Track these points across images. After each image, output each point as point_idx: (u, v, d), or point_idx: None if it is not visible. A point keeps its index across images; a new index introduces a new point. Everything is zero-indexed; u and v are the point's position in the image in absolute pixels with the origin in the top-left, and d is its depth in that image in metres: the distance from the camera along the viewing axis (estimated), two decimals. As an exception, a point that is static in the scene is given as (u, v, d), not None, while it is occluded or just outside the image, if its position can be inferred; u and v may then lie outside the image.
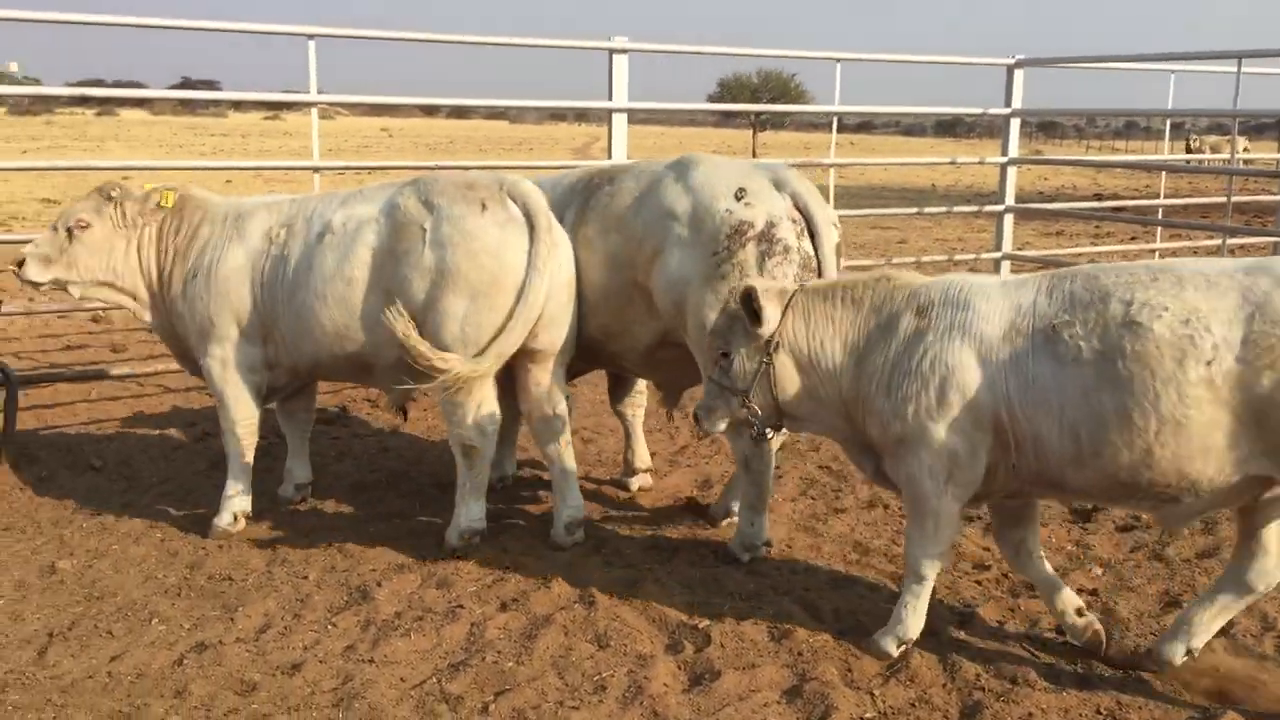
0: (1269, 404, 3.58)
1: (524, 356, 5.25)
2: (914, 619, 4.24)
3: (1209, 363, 3.60)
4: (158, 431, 7.30)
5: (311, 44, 7.44)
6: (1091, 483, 3.88)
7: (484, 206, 5.07)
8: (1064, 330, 3.80)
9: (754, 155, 42.48)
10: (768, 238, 4.99)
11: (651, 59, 9.06)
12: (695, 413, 4.46)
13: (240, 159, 38.87)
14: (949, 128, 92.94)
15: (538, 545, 5.41)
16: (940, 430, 3.94)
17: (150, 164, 8.97)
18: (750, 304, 4.16)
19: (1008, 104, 10.72)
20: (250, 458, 5.65)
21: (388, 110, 63.24)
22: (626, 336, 5.44)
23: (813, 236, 5.09)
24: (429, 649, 4.37)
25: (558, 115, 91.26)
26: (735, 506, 5.55)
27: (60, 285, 5.60)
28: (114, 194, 5.54)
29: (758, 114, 44.07)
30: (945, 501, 4.03)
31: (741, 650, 4.32)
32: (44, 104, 64.06)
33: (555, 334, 5.28)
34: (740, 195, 5.04)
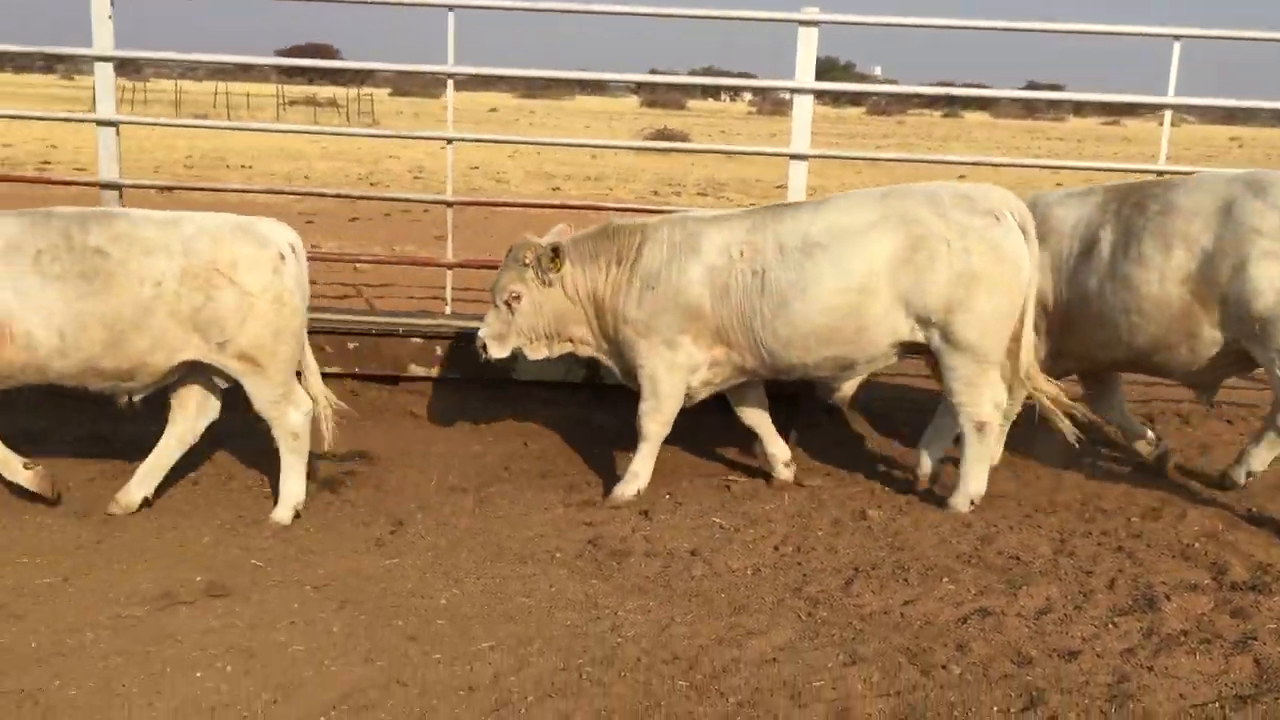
0: (198, 315, 5.22)
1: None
2: None
3: (158, 284, 5.15)
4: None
5: (1177, 45, 7.14)
6: (72, 371, 5.22)
7: (997, 217, 5.63)
8: (45, 254, 5.04)
9: None
10: None
11: None
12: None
13: (1056, 161, 38.57)
14: None
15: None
16: None
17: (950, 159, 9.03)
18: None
19: None
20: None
21: (1242, 117, 57.94)
22: (1182, 348, 5.77)
23: None
24: (1215, 673, 4.15)
25: None
26: None
27: (522, 349, 6.22)
28: (526, 259, 6.01)
29: None
30: None
31: None
32: (899, 106, 69.81)
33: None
34: None
